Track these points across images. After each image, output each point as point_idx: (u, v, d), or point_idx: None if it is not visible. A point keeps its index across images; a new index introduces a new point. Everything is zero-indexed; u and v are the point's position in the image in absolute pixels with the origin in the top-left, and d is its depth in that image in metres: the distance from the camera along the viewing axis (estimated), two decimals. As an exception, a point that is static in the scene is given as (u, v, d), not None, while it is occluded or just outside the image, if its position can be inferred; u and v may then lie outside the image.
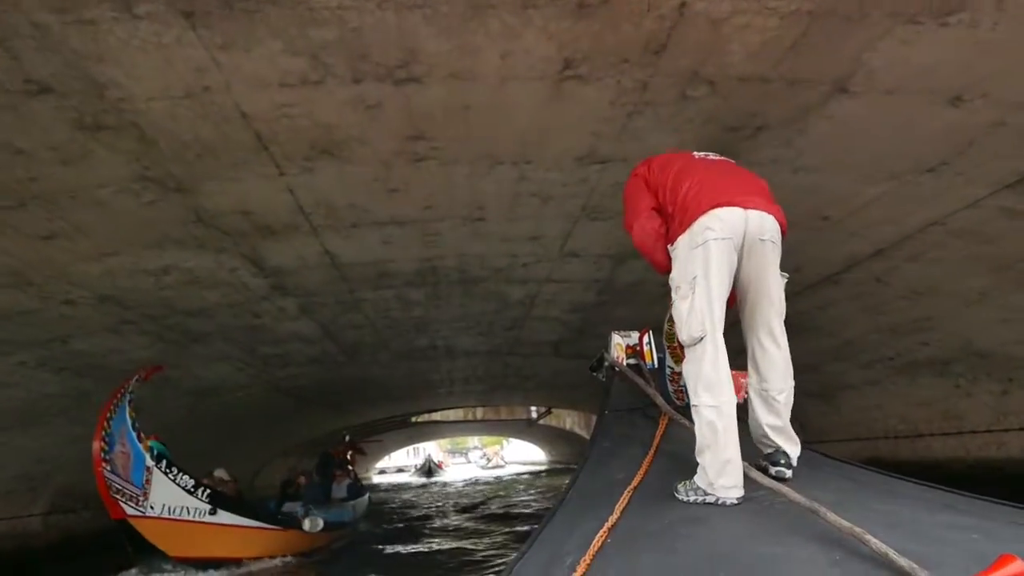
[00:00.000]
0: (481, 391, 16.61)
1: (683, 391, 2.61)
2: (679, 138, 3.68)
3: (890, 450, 9.21)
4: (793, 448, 2.23)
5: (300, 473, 13.77)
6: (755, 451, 2.22)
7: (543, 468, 40.39)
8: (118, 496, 7.19)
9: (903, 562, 1.31)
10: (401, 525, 13.93)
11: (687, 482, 2.11)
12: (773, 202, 2.44)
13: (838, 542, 1.49)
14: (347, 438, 17.37)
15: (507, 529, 11.57)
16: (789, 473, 2.14)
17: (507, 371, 13.04)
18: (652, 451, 2.43)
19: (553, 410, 22.39)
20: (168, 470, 7.78)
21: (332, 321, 7.36)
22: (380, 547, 10.72)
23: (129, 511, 7.31)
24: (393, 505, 19.72)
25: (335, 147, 3.54)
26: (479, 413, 27.48)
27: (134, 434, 7.38)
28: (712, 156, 2.71)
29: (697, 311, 2.17)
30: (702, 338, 2.17)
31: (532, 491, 20.79)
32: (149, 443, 7.59)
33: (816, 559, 1.46)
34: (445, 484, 30.82)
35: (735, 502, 1.99)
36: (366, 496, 15.90)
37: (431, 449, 46.20)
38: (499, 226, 4.93)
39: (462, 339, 9.21)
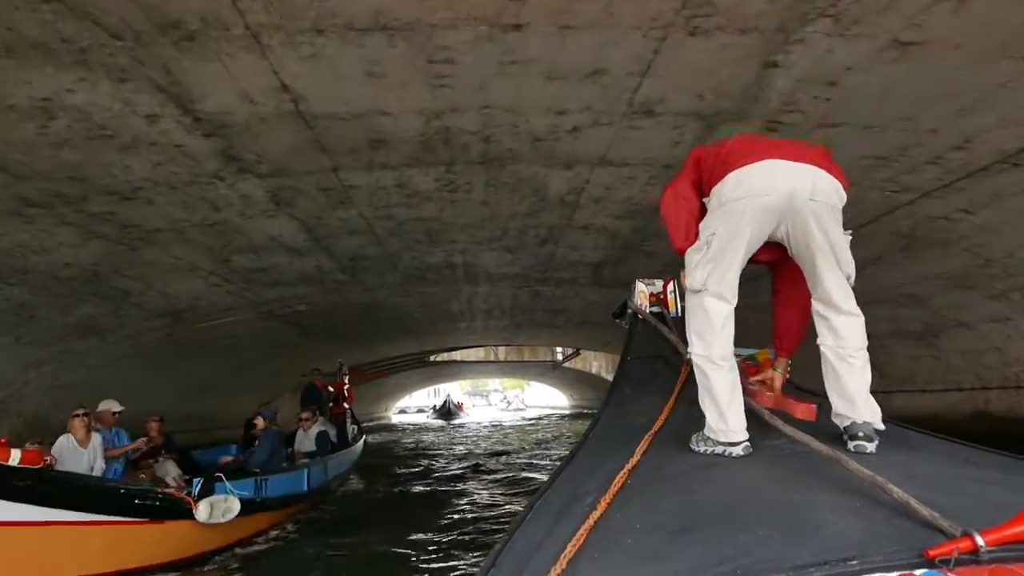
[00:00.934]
0: (505, 328, 15.09)
1: None
2: None
3: (1008, 403, 7.51)
4: (874, 418, 2.00)
5: (257, 413, 9.35)
6: (832, 427, 2.04)
7: (566, 412, 39.29)
8: None
9: (925, 511, 1.34)
10: (397, 489, 10.98)
11: (699, 433, 2.08)
12: (833, 163, 2.08)
13: (859, 491, 1.53)
14: (342, 365, 13.32)
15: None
16: (871, 447, 1.92)
17: (536, 304, 11.45)
18: (673, 398, 2.43)
19: (581, 352, 20.91)
20: None
21: (318, 220, 5.73)
22: (341, 539, 7.00)
23: None
24: (399, 455, 17.36)
25: None
26: (501, 354, 26.06)
27: None
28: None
29: (704, 266, 2.11)
30: (701, 291, 2.12)
31: (571, 439, 19.27)
32: None
33: (837, 506, 1.48)
34: (464, 426, 29.53)
35: (741, 453, 1.97)
36: (359, 445, 12.00)
37: (451, 390, 44.76)
38: (544, 43, 3.19)
39: (485, 256, 7.57)
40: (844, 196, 2.07)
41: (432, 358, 23.04)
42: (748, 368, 2.48)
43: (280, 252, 6.62)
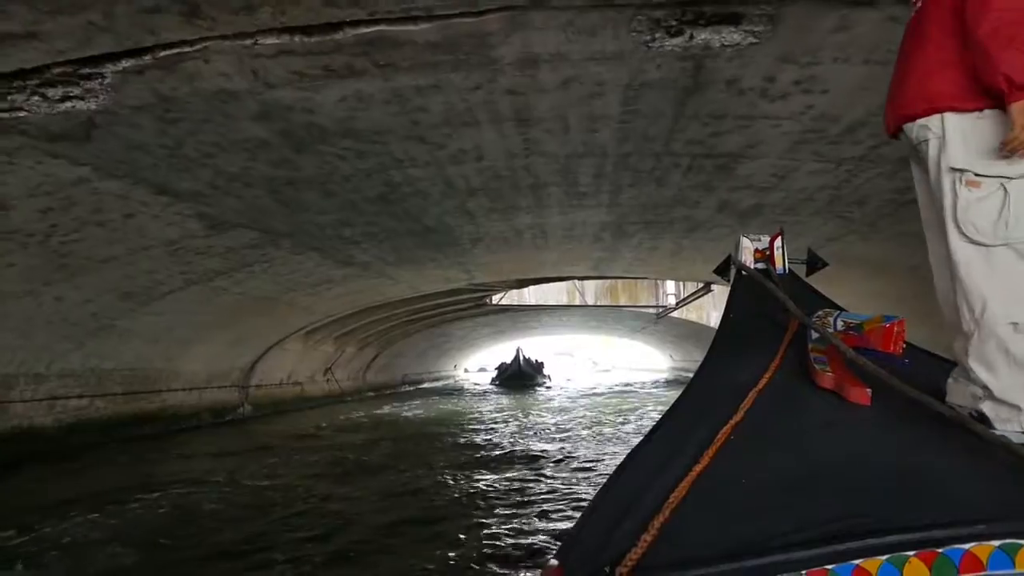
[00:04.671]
0: (604, 229, 8.74)
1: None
2: None
3: None
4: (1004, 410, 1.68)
5: None
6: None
7: (665, 376, 32.72)
8: None
9: None
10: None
11: None
12: (911, 98, 1.86)
13: (989, 456, 1.48)
14: None
15: None
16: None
17: (661, 161, 5.22)
18: (780, 356, 2.37)
19: (712, 289, 14.52)
20: None
21: None
22: None
23: None
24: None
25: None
26: (589, 293, 19.70)
27: None
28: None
29: None
30: None
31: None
32: None
33: (962, 469, 1.44)
34: (552, 399, 22.99)
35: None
36: None
37: (528, 348, 35.08)
38: None
39: None
40: (939, 130, 1.76)
41: (495, 299, 17.12)
42: (849, 338, 2.20)
43: None
